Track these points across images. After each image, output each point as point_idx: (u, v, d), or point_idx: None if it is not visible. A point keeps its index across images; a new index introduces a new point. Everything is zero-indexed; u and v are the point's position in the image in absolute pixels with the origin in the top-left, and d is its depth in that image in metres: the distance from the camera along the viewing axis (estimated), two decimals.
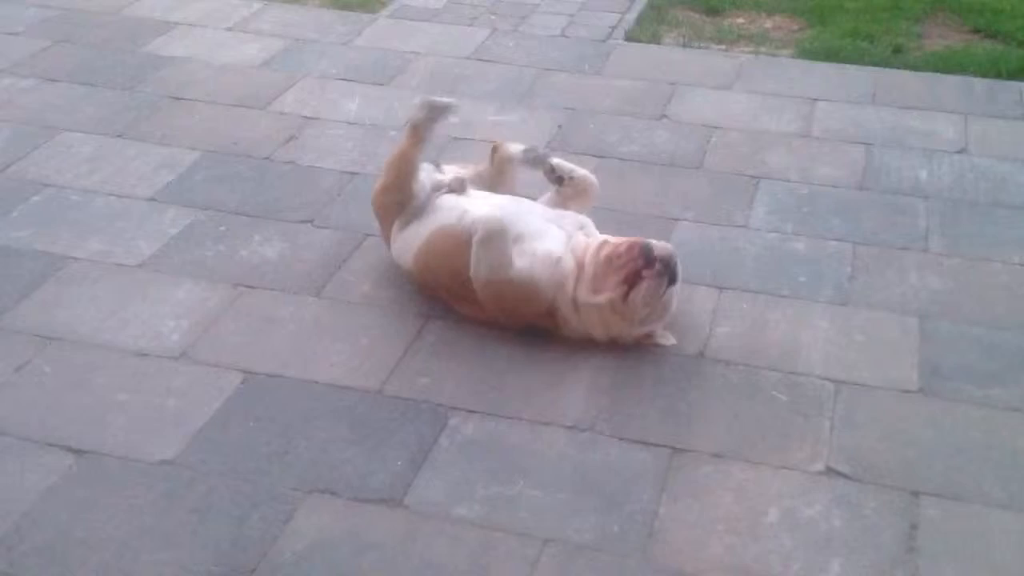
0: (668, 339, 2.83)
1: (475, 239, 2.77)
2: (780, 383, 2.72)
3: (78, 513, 2.32)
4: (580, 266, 2.81)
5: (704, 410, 2.64)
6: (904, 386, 2.72)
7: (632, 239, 2.79)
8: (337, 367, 2.76)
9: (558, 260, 2.80)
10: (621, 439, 2.55)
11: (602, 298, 2.76)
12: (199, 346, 2.82)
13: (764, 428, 2.59)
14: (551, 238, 2.85)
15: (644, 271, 2.72)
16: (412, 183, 2.98)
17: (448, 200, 2.97)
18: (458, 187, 3.01)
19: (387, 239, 3.08)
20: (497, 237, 2.76)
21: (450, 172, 3.12)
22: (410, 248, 2.96)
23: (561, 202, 3.05)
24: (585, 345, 2.83)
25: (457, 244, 2.83)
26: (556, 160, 3.07)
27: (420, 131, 2.98)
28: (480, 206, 2.89)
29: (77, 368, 2.74)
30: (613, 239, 2.84)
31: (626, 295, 2.74)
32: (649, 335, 2.83)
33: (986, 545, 2.30)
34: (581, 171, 3.07)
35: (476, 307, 2.86)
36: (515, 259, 2.78)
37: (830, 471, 2.47)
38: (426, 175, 3.04)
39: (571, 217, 2.96)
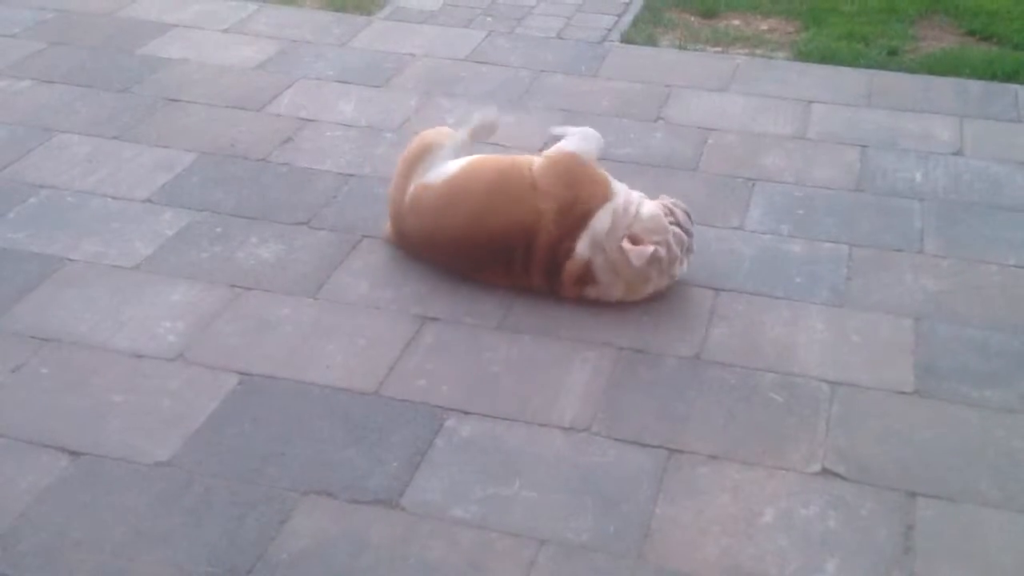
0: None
1: (572, 136, 3.07)
2: (776, 384, 2.73)
3: (74, 514, 2.32)
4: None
5: (700, 411, 2.64)
6: (900, 387, 2.73)
7: (674, 200, 3.08)
8: (334, 368, 2.76)
9: (596, 136, 3.13)
10: (617, 440, 2.55)
11: (650, 248, 2.90)
12: (195, 347, 2.82)
13: (760, 429, 2.59)
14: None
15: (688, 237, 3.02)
16: (439, 142, 3.19)
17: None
18: (491, 124, 3.30)
19: (398, 184, 3.15)
20: (584, 135, 3.08)
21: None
22: (452, 169, 3.07)
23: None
24: (582, 346, 2.84)
25: (506, 160, 3.08)
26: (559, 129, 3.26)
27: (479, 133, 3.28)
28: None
29: (73, 369, 2.74)
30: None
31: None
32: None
33: (982, 546, 2.31)
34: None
35: (518, 211, 2.94)
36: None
37: (826, 472, 2.47)
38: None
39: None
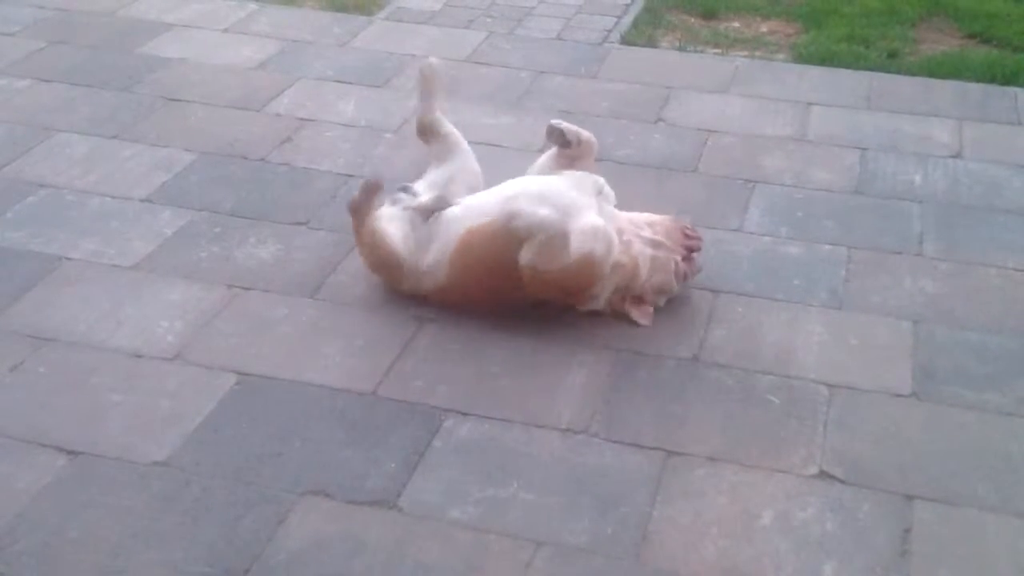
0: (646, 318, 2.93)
1: (536, 239, 2.77)
2: (774, 386, 2.73)
3: (72, 514, 2.32)
4: (619, 232, 2.89)
5: (698, 413, 2.64)
6: (898, 390, 2.73)
7: (672, 218, 3.03)
8: (332, 369, 2.76)
9: (603, 230, 2.84)
10: (615, 442, 2.55)
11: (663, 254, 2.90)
12: (193, 347, 2.82)
13: (758, 431, 2.59)
14: (586, 209, 2.87)
15: (695, 252, 2.99)
16: (394, 248, 2.94)
17: (452, 211, 2.96)
18: (443, 204, 3.00)
19: (395, 281, 3.01)
20: (560, 240, 2.77)
21: (423, 188, 3.11)
22: (440, 263, 2.91)
23: (567, 163, 3.06)
24: (580, 348, 2.84)
25: (494, 235, 2.82)
26: (563, 124, 3.08)
27: (360, 211, 2.99)
28: (496, 199, 2.90)
29: (71, 369, 2.74)
30: (644, 216, 3.01)
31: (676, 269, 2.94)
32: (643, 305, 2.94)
33: (979, 549, 2.31)
34: (586, 132, 3.11)
35: (518, 293, 2.85)
36: (570, 243, 2.79)
37: (824, 474, 2.47)
38: (398, 227, 2.97)
39: (587, 179, 2.98)
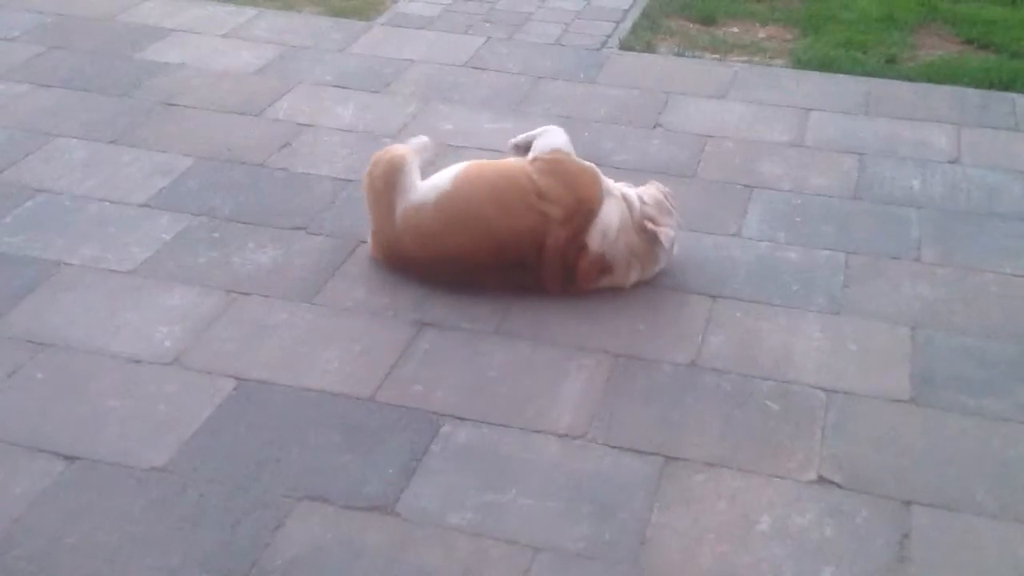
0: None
1: (539, 133, 3.14)
2: (772, 392, 2.73)
3: (69, 519, 2.32)
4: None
5: (697, 418, 2.64)
6: (896, 395, 2.73)
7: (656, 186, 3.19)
8: (330, 374, 2.76)
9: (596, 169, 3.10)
10: (613, 447, 2.55)
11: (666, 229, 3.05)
12: (191, 352, 2.82)
13: (756, 437, 2.59)
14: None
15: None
16: (406, 152, 3.16)
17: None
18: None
19: (380, 213, 3.11)
20: (555, 128, 3.17)
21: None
22: (441, 183, 3.04)
23: None
24: (579, 353, 2.84)
25: (499, 169, 3.07)
26: (520, 140, 3.27)
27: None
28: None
29: (69, 374, 2.74)
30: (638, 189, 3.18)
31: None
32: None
33: (977, 555, 2.30)
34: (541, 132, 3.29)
35: (527, 216, 2.95)
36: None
37: (822, 480, 2.47)
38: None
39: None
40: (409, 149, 3.19)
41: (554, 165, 3.02)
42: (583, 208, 2.98)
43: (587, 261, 2.99)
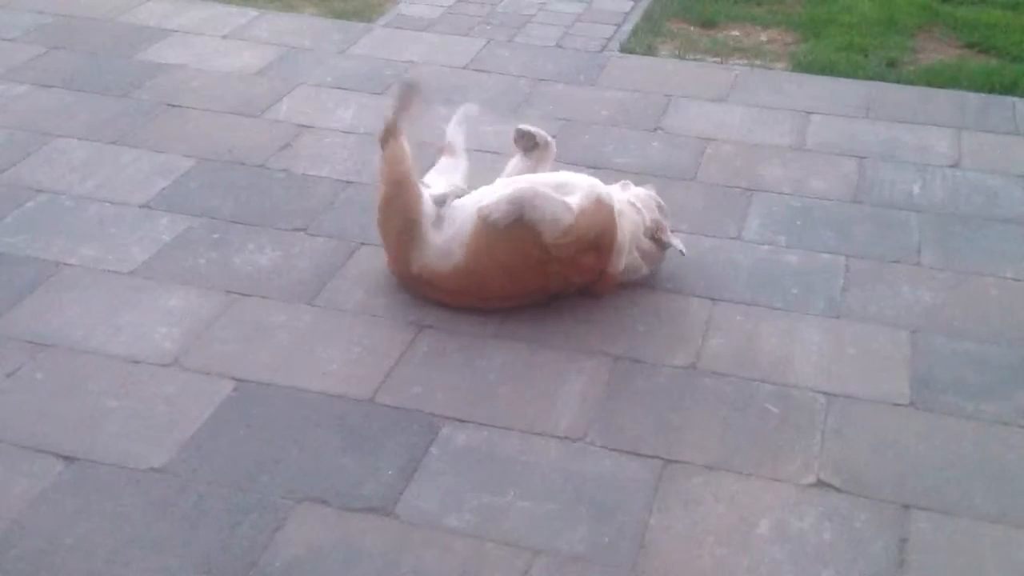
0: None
1: (525, 212, 2.85)
2: (772, 395, 2.73)
3: (68, 520, 2.32)
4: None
5: (696, 421, 2.64)
6: (895, 399, 2.73)
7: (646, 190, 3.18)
8: (329, 375, 2.76)
9: (596, 181, 3.01)
10: (613, 450, 2.55)
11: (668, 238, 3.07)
12: (191, 353, 2.82)
13: (756, 440, 2.59)
14: (578, 179, 3.02)
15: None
16: (417, 181, 3.02)
17: (465, 200, 3.02)
18: (460, 193, 3.07)
19: (395, 256, 3.02)
20: (532, 195, 2.86)
21: (434, 183, 3.14)
22: (454, 245, 2.92)
23: (532, 166, 3.20)
24: (578, 356, 2.84)
25: (515, 242, 2.88)
26: (531, 127, 3.24)
27: (397, 121, 3.03)
28: (498, 191, 2.99)
29: (69, 374, 2.74)
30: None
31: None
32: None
33: (976, 559, 2.30)
34: (543, 132, 3.26)
35: (543, 278, 2.93)
36: (568, 200, 2.89)
37: (821, 483, 2.47)
38: (425, 190, 3.05)
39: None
40: (421, 187, 3.02)
41: (575, 240, 2.88)
42: (607, 248, 2.95)
43: (610, 280, 3.02)
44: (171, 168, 3.67)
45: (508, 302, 2.97)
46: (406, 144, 2.99)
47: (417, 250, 2.95)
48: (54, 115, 4.00)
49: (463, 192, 3.07)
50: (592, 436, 2.59)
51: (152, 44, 4.61)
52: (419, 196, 2.97)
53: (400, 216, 2.97)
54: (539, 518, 2.36)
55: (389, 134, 3.01)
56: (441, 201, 3.01)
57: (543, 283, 2.95)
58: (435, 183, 3.13)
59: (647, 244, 3.06)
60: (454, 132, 3.30)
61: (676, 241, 3.08)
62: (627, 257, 3.01)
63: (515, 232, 2.87)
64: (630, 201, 3.07)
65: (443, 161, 3.25)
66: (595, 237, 2.90)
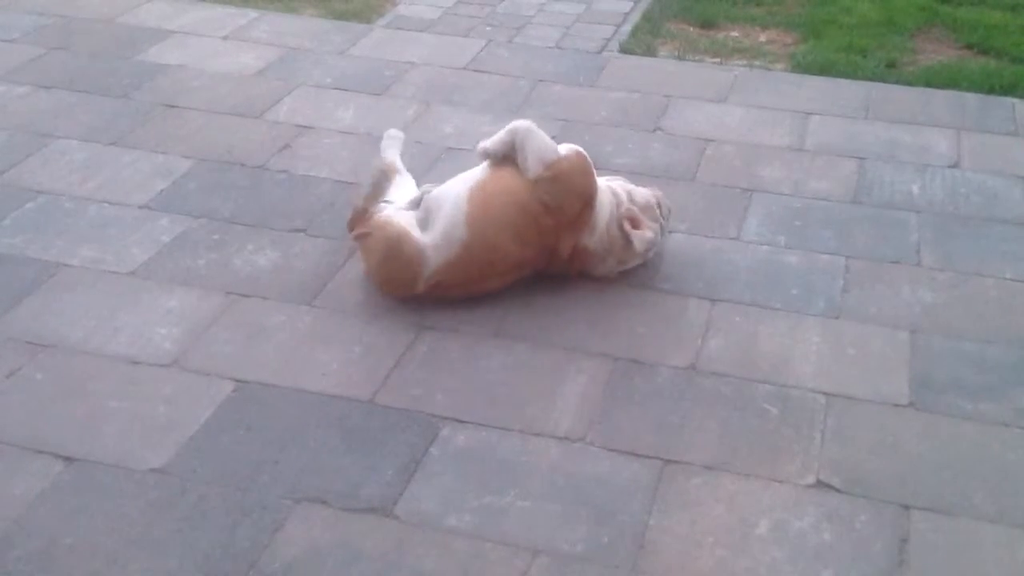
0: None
1: (516, 142, 2.99)
2: (771, 396, 2.73)
3: (68, 520, 2.32)
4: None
5: (695, 422, 2.64)
6: (895, 400, 2.73)
7: (652, 191, 3.22)
8: (329, 376, 2.76)
9: (586, 154, 3.08)
10: (612, 450, 2.55)
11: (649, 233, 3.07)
12: (191, 354, 2.82)
13: (755, 440, 2.59)
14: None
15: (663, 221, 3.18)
16: (407, 230, 2.97)
17: (442, 187, 3.04)
18: (427, 190, 3.08)
19: (403, 295, 3.00)
20: (526, 129, 3.01)
21: (395, 196, 3.17)
22: (450, 230, 2.93)
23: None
24: (578, 356, 2.84)
25: (505, 175, 2.99)
26: (488, 146, 3.10)
27: (368, 204, 3.10)
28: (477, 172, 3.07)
29: (68, 375, 2.74)
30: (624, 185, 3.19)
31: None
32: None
33: (976, 559, 2.30)
34: (507, 131, 3.13)
35: (541, 236, 2.96)
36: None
37: (821, 484, 2.47)
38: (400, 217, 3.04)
39: None
40: (397, 220, 2.99)
41: (555, 177, 2.97)
42: (587, 207, 3.01)
43: (580, 255, 3.05)
44: (171, 169, 3.67)
45: (517, 271, 3.00)
46: (382, 213, 3.04)
47: (421, 266, 2.94)
48: (54, 116, 4.00)
49: (430, 189, 3.08)
50: (592, 436, 2.59)
51: (152, 45, 4.61)
52: (413, 243, 2.94)
53: (396, 258, 2.96)
54: (539, 518, 2.36)
55: (357, 220, 3.09)
56: (416, 203, 3.05)
57: (543, 242, 2.98)
58: (396, 195, 3.15)
59: (615, 231, 3.05)
60: (391, 155, 3.34)
61: (636, 237, 3.03)
62: (601, 237, 3.03)
63: (510, 184, 2.97)
64: (608, 186, 3.11)
65: (394, 180, 3.24)
66: (578, 184, 2.99)
